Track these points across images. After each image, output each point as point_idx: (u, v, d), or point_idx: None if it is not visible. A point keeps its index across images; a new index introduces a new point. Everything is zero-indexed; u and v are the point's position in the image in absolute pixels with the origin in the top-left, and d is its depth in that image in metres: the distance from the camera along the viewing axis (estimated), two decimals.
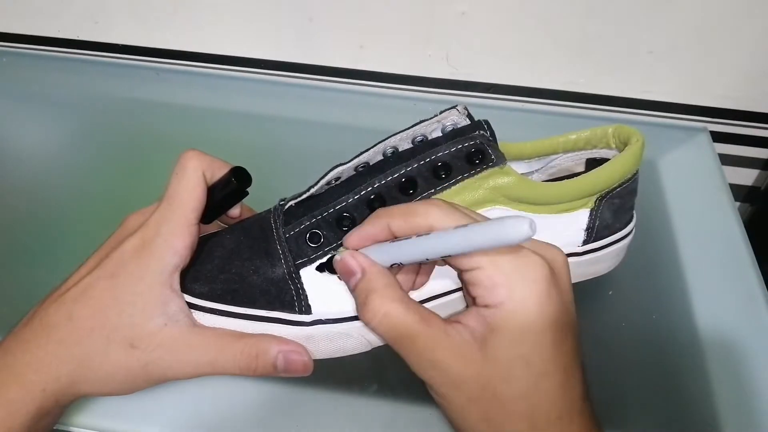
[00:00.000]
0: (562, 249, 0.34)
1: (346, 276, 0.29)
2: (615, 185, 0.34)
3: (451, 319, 0.26)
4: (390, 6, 0.55)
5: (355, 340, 0.31)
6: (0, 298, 0.41)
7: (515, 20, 0.54)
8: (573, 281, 0.37)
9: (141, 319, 0.29)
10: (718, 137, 0.58)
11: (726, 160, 0.59)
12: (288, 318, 0.31)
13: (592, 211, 0.34)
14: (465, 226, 0.24)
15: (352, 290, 0.28)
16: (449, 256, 0.25)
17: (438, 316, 0.26)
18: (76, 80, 0.62)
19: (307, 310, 0.31)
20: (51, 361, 0.28)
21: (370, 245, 0.28)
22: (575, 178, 0.34)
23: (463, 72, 0.58)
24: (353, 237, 0.29)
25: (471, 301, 0.26)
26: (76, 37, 0.63)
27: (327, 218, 0.31)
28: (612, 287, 0.42)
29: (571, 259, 0.35)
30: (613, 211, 0.34)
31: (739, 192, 0.62)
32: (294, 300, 0.31)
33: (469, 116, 0.33)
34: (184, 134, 0.55)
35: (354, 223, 0.31)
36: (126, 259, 0.29)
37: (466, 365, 0.25)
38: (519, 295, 0.24)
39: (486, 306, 0.25)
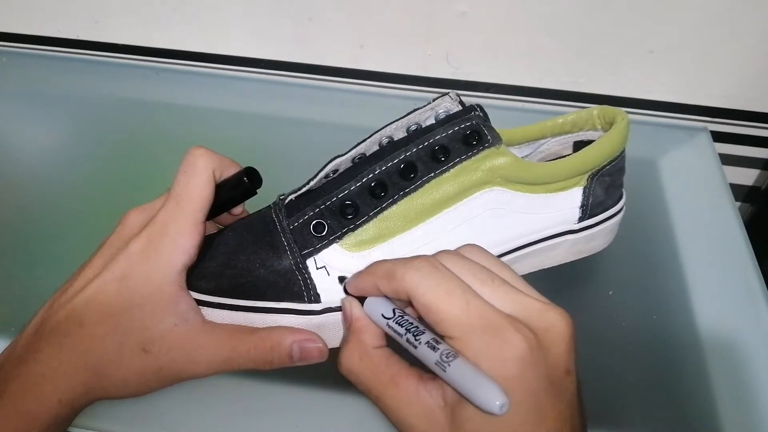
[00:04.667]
0: (560, 227, 0.35)
1: (342, 319, 0.30)
2: (605, 163, 0.35)
3: (430, 376, 0.25)
4: (390, 6, 0.54)
5: None
6: (0, 298, 0.41)
7: (515, 20, 0.54)
8: (571, 259, 0.38)
9: (152, 321, 0.28)
10: (718, 137, 0.58)
11: (726, 159, 0.59)
12: (298, 308, 0.31)
13: (585, 188, 0.35)
14: (444, 370, 0.23)
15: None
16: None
17: (414, 372, 0.25)
18: (76, 80, 0.62)
19: (317, 299, 0.31)
20: (65, 370, 0.28)
21: (373, 301, 0.28)
22: (567, 156, 0.35)
23: (463, 72, 0.58)
24: (351, 285, 0.29)
25: None
26: (76, 36, 0.62)
27: (330, 207, 0.31)
28: (612, 287, 0.42)
29: (568, 237, 0.36)
30: (604, 188, 0.36)
31: (739, 192, 0.62)
32: (303, 290, 0.31)
33: (461, 103, 0.34)
34: (184, 134, 0.55)
35: (357, 210, 0.31)
36: (133, 260, 0.29)
37: (430, 429, 0.24)
38: (488, 373, 0.23)
39: None
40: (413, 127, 0.34)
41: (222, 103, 0.59)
